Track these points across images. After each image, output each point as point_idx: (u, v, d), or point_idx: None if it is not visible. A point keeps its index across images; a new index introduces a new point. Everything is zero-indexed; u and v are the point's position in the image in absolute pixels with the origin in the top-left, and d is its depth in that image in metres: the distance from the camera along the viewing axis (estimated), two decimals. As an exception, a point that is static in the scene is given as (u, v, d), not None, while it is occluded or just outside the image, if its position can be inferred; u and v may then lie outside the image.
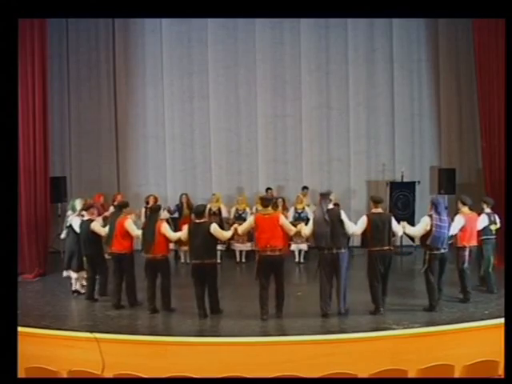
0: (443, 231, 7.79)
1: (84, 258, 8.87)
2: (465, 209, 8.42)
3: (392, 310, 7.91)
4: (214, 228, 7.85)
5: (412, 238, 8.81)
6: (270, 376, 5.01)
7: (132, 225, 8.43)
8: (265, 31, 13.10)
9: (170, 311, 8.12)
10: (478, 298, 8.34)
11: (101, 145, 13.33)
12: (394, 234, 8.00)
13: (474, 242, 8.37)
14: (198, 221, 7.98)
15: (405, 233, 8.27)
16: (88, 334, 6.71)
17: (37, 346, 6.53)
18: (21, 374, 5.21)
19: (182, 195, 11.80)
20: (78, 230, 8.93)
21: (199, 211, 8.09)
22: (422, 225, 7.93)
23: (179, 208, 11.71)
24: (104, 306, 8.49)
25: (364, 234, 8.00)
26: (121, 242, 8.35)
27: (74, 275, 9.10)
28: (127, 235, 8.36)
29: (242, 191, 13.02)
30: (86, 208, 8.99)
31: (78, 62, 13.19)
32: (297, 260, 11.47)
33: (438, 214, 7.83)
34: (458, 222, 8.24)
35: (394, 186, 12.52)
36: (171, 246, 11.10)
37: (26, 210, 10.48)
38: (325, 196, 7.93)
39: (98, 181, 13.15)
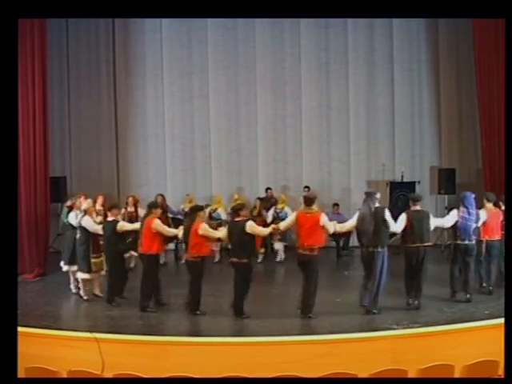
0: (469, 224, 8.20)
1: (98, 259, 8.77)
2: (489, 205, 8.74)
3: (392, 309, 7.90)
4: (250, 226, 7.79)
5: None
6: (270, 376, 5.01)
7: (161, 225, 8.31)
8: (265, 31, 13.11)
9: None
10: (478, 298, 8.33)
11: (101, 145, 13.33)
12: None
13: (494, 237, 8.61)
14: (235, 219, 7.96)
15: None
16: (88, 334, 6.71)
17: (37, 346, 6.53)
18: (21, 374, 5.20)
19: (157, 195, 11.44)
20: (92, 228, 8.72)
21: (236, 210, 8.06)
22: (450, 217, 8.33)
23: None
24: (104, 306, 8.48)
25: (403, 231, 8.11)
26: (148, 243, 8.20)
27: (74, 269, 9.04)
28: (155, 235, 8.21)
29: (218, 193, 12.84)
30: (108, 208, 8.91)
31: (78, 62, 13.19)
32: (278, 259, 11.52)
33: (466, 207, 8.24)
34: (482, 216, 8.53)
35: (394, 185, 12.53)
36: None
37: (26, 210, 10.47)
38: (371, 195, 8.07)
39: (98, 181, 13.15)
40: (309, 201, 7.92)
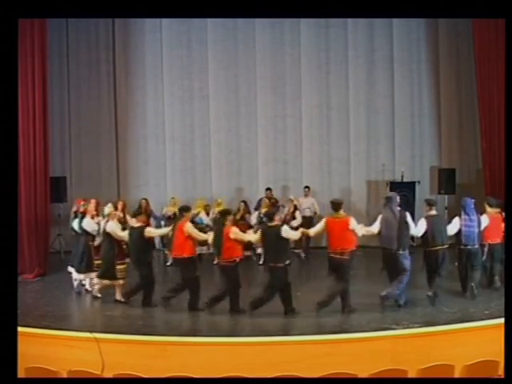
0: (472, 230, 8.47)
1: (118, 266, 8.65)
2: (490, 209, 8.97)
3: (392, 309, 7.90)
4: (285, 230, 7.86)
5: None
6: (270, 376, 5.02)
7: (193, 228, 8.25)
8: (265, 31, 13.11)
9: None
10: (478, 298, 8.33)
11: (101, 145, 13.33)
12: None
13: (496, 240, 8.81)
14: (269, 224, 7.99)
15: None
16: (88, 334, 6.70)
17: (37, 346, 6.53)
18: (21, 374, 5.21)
19: (141, 200, 11.37)
20: (118, 234, 8.61)
21: (270, 215, 8.09)
22: (453, 225, 8.52)
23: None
24: (104, 305, 8.48)
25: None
26: (181, 246, 8.11)
27: (91, 276, 8.94)
28: (187, 239, 8.11)
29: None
30: (134, 214, 8.87)
31: (78, 62, 13.19)
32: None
33: (467, 214, 8.50)
34: (484, 221, 8.72)
35: (394, 186, 12.51)
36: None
37: (26, 210, 10.47)
38: (391, 199, 8.23)
39: (98, 181, 13.16)
40: (337, 206, 8.06)
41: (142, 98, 13.33)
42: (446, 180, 12.45)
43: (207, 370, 5.67)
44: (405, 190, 12.25)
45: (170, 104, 13.37)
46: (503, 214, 8.79)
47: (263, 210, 11.35)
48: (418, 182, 12.59)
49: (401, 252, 7.94)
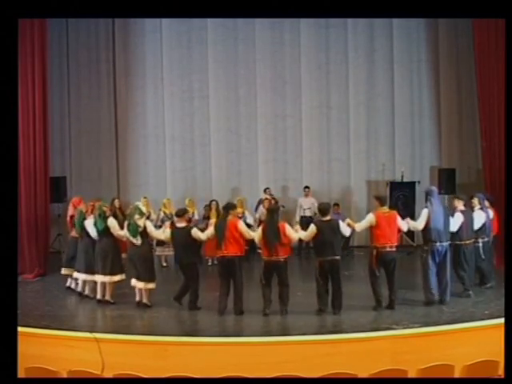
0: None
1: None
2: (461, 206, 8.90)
3: (392, 309, 7.90)
4: (343, 225, 7.97)
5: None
6: (270, 376, 5.01)
7: (245, 226, 8.14)
8: (265, 31, 13.10)
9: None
10: (478, 298, 8.34)
11: (101, 145, 13.33)
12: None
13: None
14: (324, 219, 7.94)
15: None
16: (88, 334, 6.71)
17: (37, 346, 6.53)
18: (21, 374, 5.20)
19: (113, 200, 10.84)
20: (158, 234, 8.54)
21: (325, 209, 8.03)
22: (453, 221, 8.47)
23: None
24: (104, 306, 8.46)
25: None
26: (234, 245, 7.87)
27: (105, 278, 8.48)
28: (240, 237, 7.94)
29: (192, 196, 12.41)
30: (179, 214, 8.48)
31: (78, 62, 13.20)
32: None
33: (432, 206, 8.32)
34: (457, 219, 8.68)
35: (394, 185, 12.52)
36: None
37: (26, 210, 10.46)
38: (433, 192, 8.42)
39: (98, 181, 13.17)
40: (384, 200, 8.27)
41: (141, 97, 13.33)
42: (446, 180, 12.45)
43: (207, 370, 5.68)
44: (405, 189, 12.29)
45: (170, 104, 13.37)
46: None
47: (239, 210, 10.70)
48: (418, 181, 12.59)
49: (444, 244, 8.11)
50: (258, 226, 11.21)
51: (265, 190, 12.52)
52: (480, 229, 8.78)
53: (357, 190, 13.24)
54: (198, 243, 8.49)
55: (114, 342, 6.66)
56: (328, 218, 7.96)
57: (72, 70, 13.20)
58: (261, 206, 11.96)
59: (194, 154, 13.42)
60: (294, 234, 8.00)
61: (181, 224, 8.36)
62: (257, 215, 11.87)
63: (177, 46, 13.24)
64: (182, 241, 8.14)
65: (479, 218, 8.78)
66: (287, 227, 7.92)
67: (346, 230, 8.07)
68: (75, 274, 9.03)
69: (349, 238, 11.64)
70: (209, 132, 13.36)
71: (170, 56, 13.27)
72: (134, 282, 8.27)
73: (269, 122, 13.30)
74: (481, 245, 8.77)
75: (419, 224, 8.24)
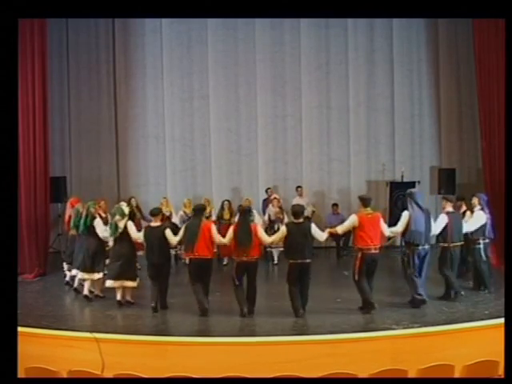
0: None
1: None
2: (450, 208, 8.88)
3: (392, 309, 7.92)
4: (316, 228, 7.89)
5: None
6: (270, 376, 5.01)
7: (216, 229, 8.21)
8: (265, 31, 13.10)
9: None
10: (478, 298, 8.35)
11: (101, 145, 13.33)
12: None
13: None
14: (296, 221, 7.90)
15: None
16: (88, 334, 6.70)
17: (37, 346, 6.52)
18: (21, 374, 5.20)
19: (130, 199, 11.01)
20: (135, 235, 8.45)
21: (298, 212, 7.95)
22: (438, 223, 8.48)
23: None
24: (104, 306, 8.47)
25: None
26: (206, 247, 7.97)
27: (95, 276, 8.75)
28: (211, 239, 8.06)
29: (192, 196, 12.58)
30: (153, 214, 8.50)
31: (78, 62, 13.19)
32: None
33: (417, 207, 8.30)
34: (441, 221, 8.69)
35: (394, 185, 12.52)
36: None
37: (26, 210, 10.47)
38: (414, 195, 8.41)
39: (98, 181, 13.17)
40: (367, 202, 8.13)
41: (142, 98, 13.32)
42: (446, 180, 12.46)
43: (207, 370, 5.67)
44: (405, 189, 12.23)
45: (170, 104, 13.36)
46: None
47: (208, 210, 10.81)
48: (418, 181, 12.58)
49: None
50: (269, 225, 11.38)
51: (266, 190, 12.53)
52: (480, 229, 8.71)
53: (357, 190, 13.15)
54: (168, 243, 8.46)
55: (114, 341, 6.66)
56: (300, 220, 7.92)
57: (72, 70, 13.19)
58: (270, 206, 11.90)
59: (194, 153, 13.42)
60: (266, 236, 8.15)
61: (155, 223, 8.43)
62: (265, 216, 11.81)
63: (177, 46, 13.24)
64: (156, 240, 8.23)
65: (479, 219, 8.72)
66: (259, 228, 8.02)
67: (319, 235, 7.96)
68: (73, 272, 9.15)
69: (348, 237, 11.69)
70: (209, 132, 13.35)
71: (170, 56, 13.27)
72: (109, 283, 8.39)
73: (269, 122, 13.30)
74: (482, 246, 8.71)
75: (398, 227, 8.18)
